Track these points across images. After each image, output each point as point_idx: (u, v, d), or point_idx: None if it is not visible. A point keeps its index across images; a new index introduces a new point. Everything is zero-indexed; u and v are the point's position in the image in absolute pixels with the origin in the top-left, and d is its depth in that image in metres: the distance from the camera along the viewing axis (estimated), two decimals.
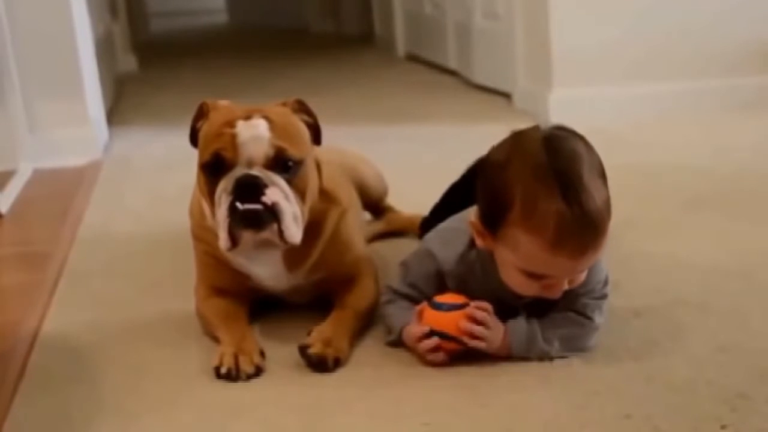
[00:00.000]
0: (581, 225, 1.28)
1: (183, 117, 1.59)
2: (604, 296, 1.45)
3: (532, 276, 1.35)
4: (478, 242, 1.41)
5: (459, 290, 1.45)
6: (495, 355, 1.41)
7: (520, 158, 1.32)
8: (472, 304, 1.40)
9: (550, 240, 1.28)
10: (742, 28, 3.20)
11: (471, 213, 1.43)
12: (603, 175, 1.34)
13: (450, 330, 1.39)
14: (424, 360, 1.42)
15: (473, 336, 1.39)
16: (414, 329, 1.42)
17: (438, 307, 1.42)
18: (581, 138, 1.37)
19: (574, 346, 1.41)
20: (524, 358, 1.40)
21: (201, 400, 1.36)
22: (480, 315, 1.39)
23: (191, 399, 1.37)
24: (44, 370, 1.50)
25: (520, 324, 1.41)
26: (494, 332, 1.39)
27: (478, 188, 1.40)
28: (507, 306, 1.43)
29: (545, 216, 1.28)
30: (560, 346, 1.41)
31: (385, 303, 1.54)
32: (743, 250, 1.84)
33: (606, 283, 1.45)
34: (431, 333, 1.40)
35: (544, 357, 1.40)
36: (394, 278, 1.57)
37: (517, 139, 1.37)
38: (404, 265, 1.53)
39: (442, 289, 1.47)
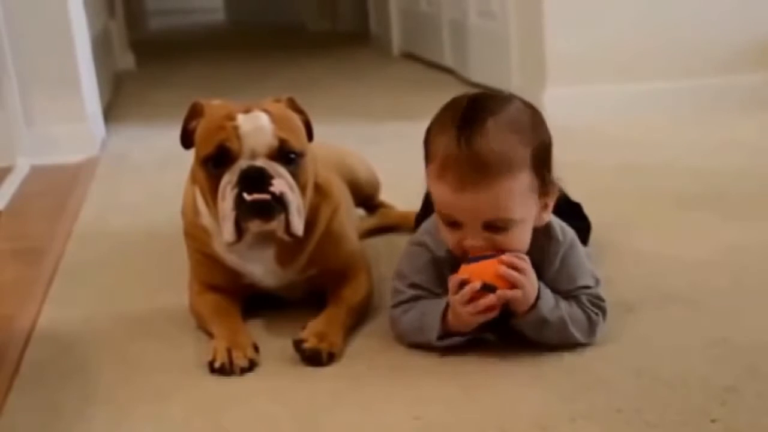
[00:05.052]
0: (462, 159, 1.34)
1: (180, 114, 1.60)
2: (601, 298, 1.44)
3: (448, 223, 1.39)
4: None
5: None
6: (520, 312, 1.37)
7: (444, 111, 1.42)
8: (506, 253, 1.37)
9: (437, 168, 1.37)
10: (737, 27, 3.21)
11: None
12: (518, 131, 1.36)
13: (489, 278, 1.34)
14: (474, 320, 1.38)
15: (512, 284, 1.35)
16: (464, 292, 1.35)
17: (472, 259, 1.37)
18: (518, 101, 1.42)
19: (575, 333, 1.41)
20: (516, 354, 1.40)
21: (194, 394, 1.37)
22: (517, 261, 1.36)
23: (185, 393, 1.37)
24: (38, 365, 1.51)
25: (543, 286, 1.39)
26: (531, 282, 1.36)
27: None
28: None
29: (438, 146, 1.37)
30: (572, 326, 1.40)
31: (396, 320, 1.48)
32: (735, 248, 1.84)
33: (597, 283, 1.46)
34: (484, 287, 1.34)
35: (555, 326, 1.39)
36: (388, 295, 1.54)
37: (450, 100, 1.45)
38: (397, 274, 1.51)
39: (441, 281, 1.45)
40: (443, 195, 1.37)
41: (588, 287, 1.44)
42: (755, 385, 1.28)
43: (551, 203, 1.43)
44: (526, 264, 1.37)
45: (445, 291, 1.42)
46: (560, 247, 1.45)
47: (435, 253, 1.46)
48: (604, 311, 1.44)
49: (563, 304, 1.40)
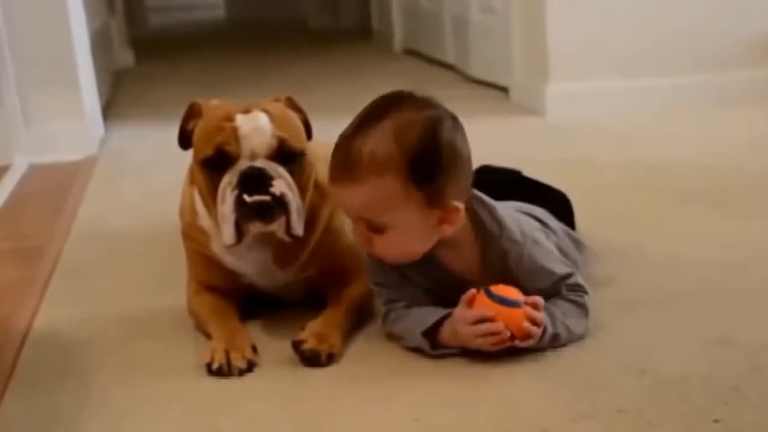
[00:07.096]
0: (339, 152, 1.37)
1: (180, 112, 1.60)
2: (579, 284, 1.44)
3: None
4: None
5: (415, 274, 1.46)
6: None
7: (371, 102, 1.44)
8: (526, 300, 1.37)
9: None
10: (738, 23, 3.20)
11: None
12: (400, 140, 1.34)
13: (513, 328, 1.35)
14: (477, 347, 1.37)
15: (529, 336, 1.36)
16: (483, 327, 1.35)
17: (501, 301, 1.35)
18: (435, 112, 1.41)
19: (578, 329, 1.41)
20: (516, 354, 1.38)
21: (192, 396, 1.36)
22: (539, 317, 1.36)
23: (182, 394, 1.36)
24: (35, 366, 1.50)
25: None
26: (541, 330, 1.37)
27: None
28: (448, 289, 1.43)
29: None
30: (571, 325, 1.40)
31: (383, 317, 1.50)
32: (737, 245, 1.83)
33: (571, 274, 1.45)
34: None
35: (563, 336, 1.39)
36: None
37: (383, 94, 1.46)
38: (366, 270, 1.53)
39: (402, 279, 1.47)
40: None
41: (568, 276, 1.44)
42: (758, 385, 1.26)
43: (455, 220, 1.40)
44: (544, 317, 1.37)
45: (430, 295, 1.47)
46: (522, 248, 1.44)
47: None
48: (585, 291, 1.44)
49: (555, 311, 1.40)
